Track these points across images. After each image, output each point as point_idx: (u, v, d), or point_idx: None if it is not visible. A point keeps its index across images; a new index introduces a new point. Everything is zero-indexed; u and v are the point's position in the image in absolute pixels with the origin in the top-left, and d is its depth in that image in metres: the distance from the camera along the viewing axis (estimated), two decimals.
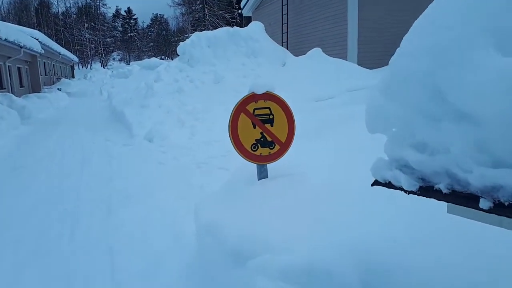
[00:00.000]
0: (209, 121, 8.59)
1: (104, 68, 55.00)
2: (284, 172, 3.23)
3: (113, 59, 71.91)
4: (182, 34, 59.89)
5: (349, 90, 9.19)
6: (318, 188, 2.74)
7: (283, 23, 15.92)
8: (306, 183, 2.89)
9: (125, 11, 77.42)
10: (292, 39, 15.68)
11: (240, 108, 3.16)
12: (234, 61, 10.71)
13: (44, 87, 24.47)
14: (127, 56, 72.25)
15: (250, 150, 3.23)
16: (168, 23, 77.00)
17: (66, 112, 15.95)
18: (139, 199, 4.72)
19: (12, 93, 17.07)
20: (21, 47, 17.72)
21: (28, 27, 34.15)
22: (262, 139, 3.24)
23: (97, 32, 66.48)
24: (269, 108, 3.24)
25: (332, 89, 9.20)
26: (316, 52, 10.97)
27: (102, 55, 67.47)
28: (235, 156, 6.60)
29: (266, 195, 2.91)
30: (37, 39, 23.42)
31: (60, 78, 33.25)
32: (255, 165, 3.31)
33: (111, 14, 75.59)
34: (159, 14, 79.82)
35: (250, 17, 23.86)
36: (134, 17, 77.53)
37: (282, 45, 14.54)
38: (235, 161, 5.86)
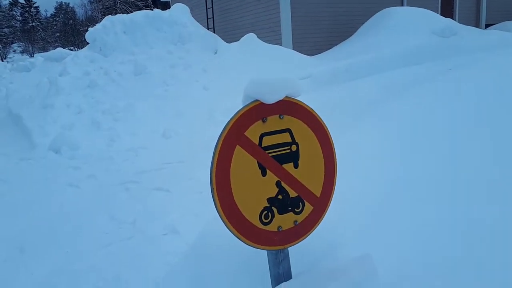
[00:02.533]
0: (132, 121, 7.05)
1: (3, 61, 48.64)
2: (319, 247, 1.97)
3: (14, 51, 64.14)
4: (91, 23, 55.08)
5: None
6: None
7: (208, 7, 14.52)
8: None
9: None
10: (220, 25, 14.35)
11: (233, 135, 1.70)
12: (158, 48, 9.15)
13: None
14: (30, 48, 64.92)
15: (258, 224, 1.79)
16: (75, 11, 70.68)
17: None
18: (40, 254, 3.19)
19: None
20: None
21: None
22: (280, 197, 1.82)
23: None
24: (288, 131, 1.82)
25: None
26: (250, 38, 9.81)
27: None
28: (176, 169, 5.29)
29: None
30: None
31: None
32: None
33: (7, 2, 67.35)
34: (64, 2, 72.80)
35: (168, 2, 22.08)
36: (34, 5, 69.84)
37: None
38: (177, 179, 4.52)
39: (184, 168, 4.88)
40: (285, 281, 1.88)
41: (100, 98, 7.73)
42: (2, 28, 61.31)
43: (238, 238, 1.75)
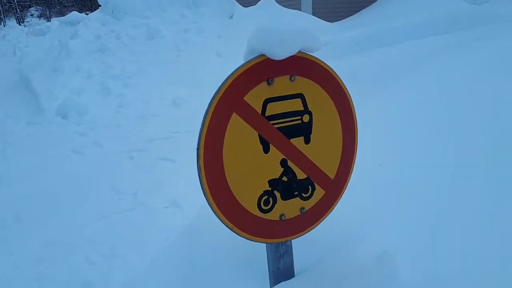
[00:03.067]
0: (143, 88, 6.80)
1: (20, 25, 48.68)
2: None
3: (31, 15, 64.00)
4: None
5: None
6: None
7: None
8: None
9: None
10: None
11: (229, 99, 1.35)
12: (171, 12, 8.77)
13: None
14: (48, 12, 64.65)
15: (256, 211, 1.46)
16: None
17: None
18: (36, 224, 3.04)
19: None
20: None
21: None
22: (285, 178, 1.48)
23: None
24: (301, 96, 1.45)
25: None
26: (268, 2, 9.31)
27: (16, 10, 59.62)
28: (184, 138, 5.06)
29: None
30: None
31: None
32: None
33: None
34: None
35: None
36: None
37: None
38: (183, 149, 4.28)
39: (192, 138, 4.62)
40: (286, 279, 1.61)
41: (111, 63, 7.48)
42: None
43: (230, 229, 1.42)
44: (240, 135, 1.37)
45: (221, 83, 1.35)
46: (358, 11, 10.64)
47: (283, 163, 1.46)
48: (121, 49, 7.88)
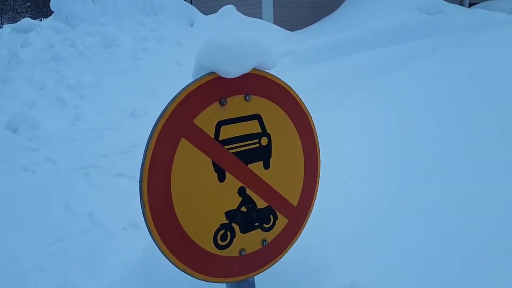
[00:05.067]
0: (99, 99, 6.54)
1: None
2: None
3: None
4: None
5: None
6: None
7: None
8: None
9: None
10: None
11: (176, 123, 1.21)
12: (129, 19, 8.54)
13: None
14: None
15: (211, 248, 1.31)
16: None
17: None
18: None
19: None
20: None
21: None
22: (244, 209, 1.35)
23: None
24: (257, 117, 1.35)
25: None
26: (229, 10, 9.28)
27: None
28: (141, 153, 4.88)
29: None
30: None
31: None
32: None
33: None
34: None
35: None
36: None
37: None
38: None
39: None
40: None
41: (65, 73, 7.15)
42: None
43: (181, 270, 1.25)
44: (191, 163, 1.24)
45: (166, 105, 1.21)
46: (318, 20, 10.81)
47: (241, 191, 1.34)
48: (76, 58, 7.56)
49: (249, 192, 1.36)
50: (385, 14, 8.52)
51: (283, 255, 1.49)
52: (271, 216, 1.42)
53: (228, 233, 1.33)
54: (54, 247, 2.76)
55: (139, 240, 2.71)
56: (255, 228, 1.39)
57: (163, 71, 7.32)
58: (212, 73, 1.25)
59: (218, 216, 1.31)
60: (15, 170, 4.19)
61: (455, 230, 1.76)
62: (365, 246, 1.72)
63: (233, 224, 1.34)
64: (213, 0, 12.99)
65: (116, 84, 6.96)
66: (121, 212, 3.15)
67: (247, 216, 1.36)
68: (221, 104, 1.28)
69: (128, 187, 3.62)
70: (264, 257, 1.43)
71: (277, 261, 1.48)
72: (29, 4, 65.43)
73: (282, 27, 9.51)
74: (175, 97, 1.22)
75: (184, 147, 1.22)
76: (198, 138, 1.24)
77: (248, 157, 1.34)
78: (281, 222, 1.45)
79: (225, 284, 1.45)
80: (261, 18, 10.55)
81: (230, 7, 9.27)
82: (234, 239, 1.35)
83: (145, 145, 1.20)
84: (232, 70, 1.22)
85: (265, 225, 1.42)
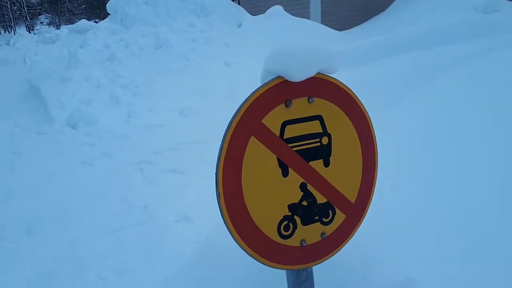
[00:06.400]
0: (151, 97, 6.80)
1: (30, 33, 49.33)
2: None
3: (41, 23, 64.87)
4: None
5: None
6: None
7: None
8: None
9: None
10: None
11: (247, 123, 1.33)
12: (180, 20, 8.80)
13: None
14: (57, 20, 65.46)
15: (276, 237, 1.43)
16: None
17: None
18: (46, 238, 3.02)
19: None
20: None
21: None
22: (304, 203, 1.45)
23: None
24: (319, 118, 1.43)
25: None
26: (277, 11, 9.33)
27: (27, 18, 60.40)
28: (192, 150, 5.04)
29: None
30: None
31: None
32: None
33: None
34: None
35: None
36: None
37: None
38: (192, 160, 4.26)
39: (200, 149, 4.62)
40: None
41: (120, 72, 7.51)
42: None
43: (250, 256, 1.39)
44: (259, 158, 1.35)
45: (238, 106, 1.33)
46: (367, 19, 10.62)
47: (303, 187, 1.44)
48: (130, 58, 7.92)
49: (309, 187, 1.45)
50: (438, 14, 8.23)
51: (341, 249, 1.57)
52: (330, 211, 1.51)
53: (291, 224, 1.44)
54: (112, 237, 2.93)
55: (191, 233, 2.82)
56: (315, 221, 1.49)
57: (212, 71, 7.50)
58: (279, 77, 1.35)
59: (282, 208, 1.42)
60: (75, 163, 4.48)
61: None
62: (420, 243, 1.72)
63: (295, 217, 1.45)
64: (261, 0, 13.10)
65: (167, 83, 7.21)
66: (173, 206, 3.28)
67: (307, 210, 1.46)
68: (287, 106, 1.38)
69: (179, 182, 3.77)
70: (323, 249, 1.52)
71: (334, 254, 1.56)
72: (84, 6, 68.95)
73: (330, 27, 9.44)
74: (247, 99, 1.33)
75: (253, 144, 1.34)
76: (265, 137, 1.35)
77: (309, 155, 1.43)
78: (339, 217, 1.53)
79: (283, 272, 1.55)
80: (308, 18, 10.52)
81: (278, 8, 9.33)
82: (296, 230, 1.46)
83: (221, 141, 1.31)
84: (298, 74, 1.32)
85: (324, 219, 1.50)
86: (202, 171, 3.90)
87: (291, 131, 1.38)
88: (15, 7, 59.19)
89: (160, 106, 6.49)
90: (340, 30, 9.65)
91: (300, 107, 1.39)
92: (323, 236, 1.51)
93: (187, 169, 4.01)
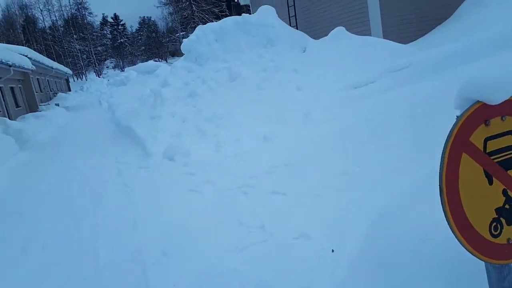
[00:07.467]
0: (233, 127, 7.28)
1: (99, 77, 53.73)
2: None
3: (107, 67, 70.43)
4: (172, 33, 58.42)
5: (390, 70, 7.84)
6: None
7: (289, 5, 14.53)
8: None
9: (112, 18, 75.66)
10: (302, 22, 14.30)
11: (459, 142, 1.66)
12: (249, 53, 9.36)
13: (41, 104, 23.18)
14: (121, 63, 70.76)
15: (488, 236, 1.72)
16: (156, 24, 75.19)
17: (66, 129, 14.67)
18: (182, 257, 3.44)
19: (8, 115, 15.93)
20: (10, 66, 16.40)
21: (17, 45, 32.76)
22: (507, 206, 1.75)
23: (87, 42, 64.95)
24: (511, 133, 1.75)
25: (369, 72, 7.84)
26: (339, 32, 9.58)
27: (95, 64, 65.96)
28: (285, 172, 5.35)
29: None
30: (26, 56, 22.05)
31: (56, 93, 31.93)
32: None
33: (99, 22, 74.14)
34: (146, 17, 77.84)
35: (244, 5, 22.48)
36: (121, 22, 75.80)
37: None
38: (289, 182, 4.57)
39: (293, 171, 4.91)
40: None
41: (201, 106, 8.13)
42: (96, 47, 67.54)
43: (470, 252, 1.69)
44: (470, 171, 1.67)
45: (450, 129, 1.66)
46: (429, 30, 10.57)
47: (504, 192, 1.74)
48: (208, 93, 8.55)
49: (510, 193, 1.75)
50: (510, 17, 8.03)
51: None
52: None
53: (498, 225, 1.74)
54: (242, 254, 3.27)
55: (314, 247, 3.08)
56: None
57: (285, 97, 7.87)
58: (477, 102, 1.66)
59: (490, 211, 1.72)
60: (184, 192, 4.97)
61: None
62: None
63: (501, 218, 1.74)
64: (317, 24, 13.48)
65: (245, 113, 7.68)
66: (287, 224, 3.57)
67: (510, 212, 1.75)
68: (486, 125, 1.70)
69: (284, 202, 4.07)
70: None
71: None
72: (143, 47, 73.96)
73: (393, 40, 9.52)
74: (456, 122, 1.65)
75: (465, 159, 1.67)
76: (473, 152, 1.68)
77: (508, 164, 1.74)
78: None
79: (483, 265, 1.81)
80: (370, 34, 10.68)
81: (340, 29, 9.58)
82: (503, 230, 1.75)
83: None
84: (496, 98, 1.65)
85: None
86: (303, 191, 4.20)
87: (492, 145, 1.70)
88: (84, 55, 64.98)
89: (243, 134, 6.93)
90: (403, 42, 9.69)
91: (496, 125, 1.70)
92: None
93: (288, 190, 4.31)
